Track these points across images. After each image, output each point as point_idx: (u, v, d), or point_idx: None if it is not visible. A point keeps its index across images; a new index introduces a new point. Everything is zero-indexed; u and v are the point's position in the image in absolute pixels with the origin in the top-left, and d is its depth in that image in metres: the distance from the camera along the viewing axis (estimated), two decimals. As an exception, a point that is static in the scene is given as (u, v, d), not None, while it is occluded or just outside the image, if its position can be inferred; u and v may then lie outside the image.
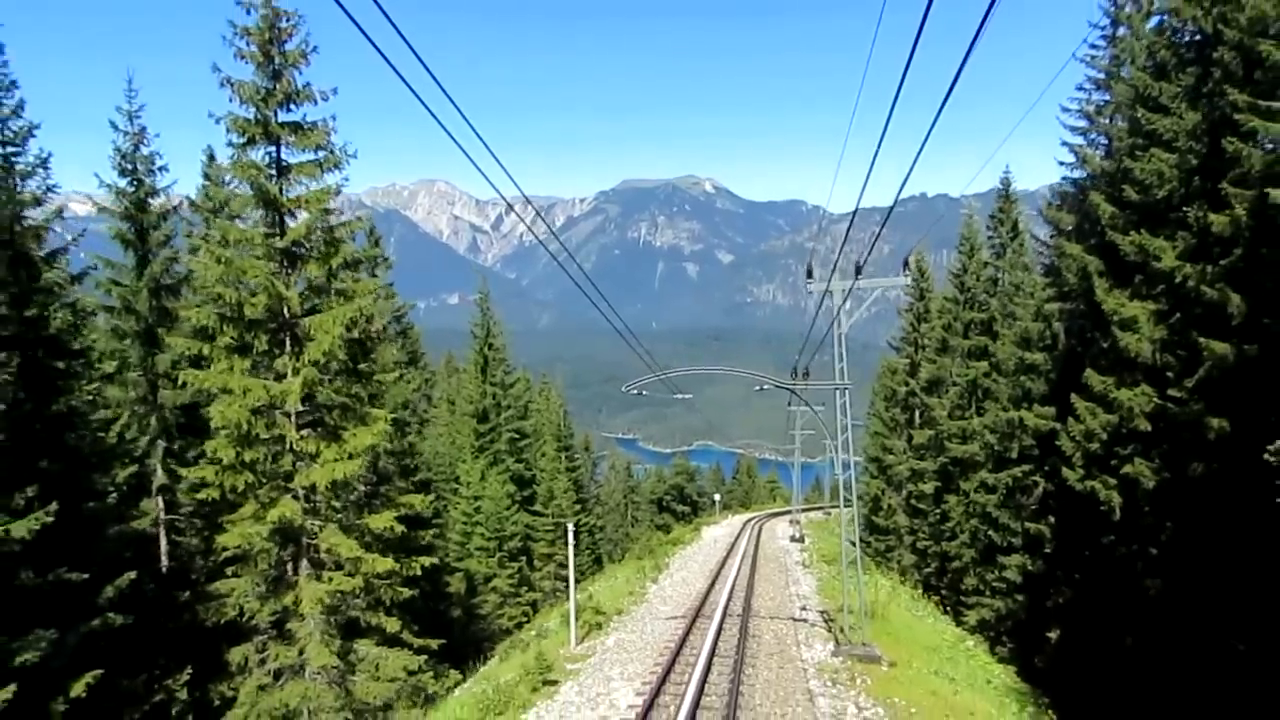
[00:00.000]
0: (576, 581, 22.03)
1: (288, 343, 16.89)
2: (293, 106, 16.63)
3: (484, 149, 7.36)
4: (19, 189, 15.16)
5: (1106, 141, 23.78)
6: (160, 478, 19.87)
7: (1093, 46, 24.39)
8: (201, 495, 16.69)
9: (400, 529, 17.74)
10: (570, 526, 21.80)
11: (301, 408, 16.62)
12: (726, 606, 22.05)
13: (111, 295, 19.55)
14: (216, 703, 17.61)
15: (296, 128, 16.69)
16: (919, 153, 7.07)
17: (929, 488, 35.16)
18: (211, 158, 26.21)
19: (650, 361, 19.23)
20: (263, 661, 16.84)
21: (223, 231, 17.07)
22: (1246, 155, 14.99)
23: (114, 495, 16.96)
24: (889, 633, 20.39)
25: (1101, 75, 24.15)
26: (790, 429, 52.07)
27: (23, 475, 13.73)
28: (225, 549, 16.59)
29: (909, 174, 7.52)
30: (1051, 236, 27.03)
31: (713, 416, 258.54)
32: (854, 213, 10.02)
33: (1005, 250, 33.41)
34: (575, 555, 21.51)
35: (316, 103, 16.77)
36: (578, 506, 49.26)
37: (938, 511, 34.35)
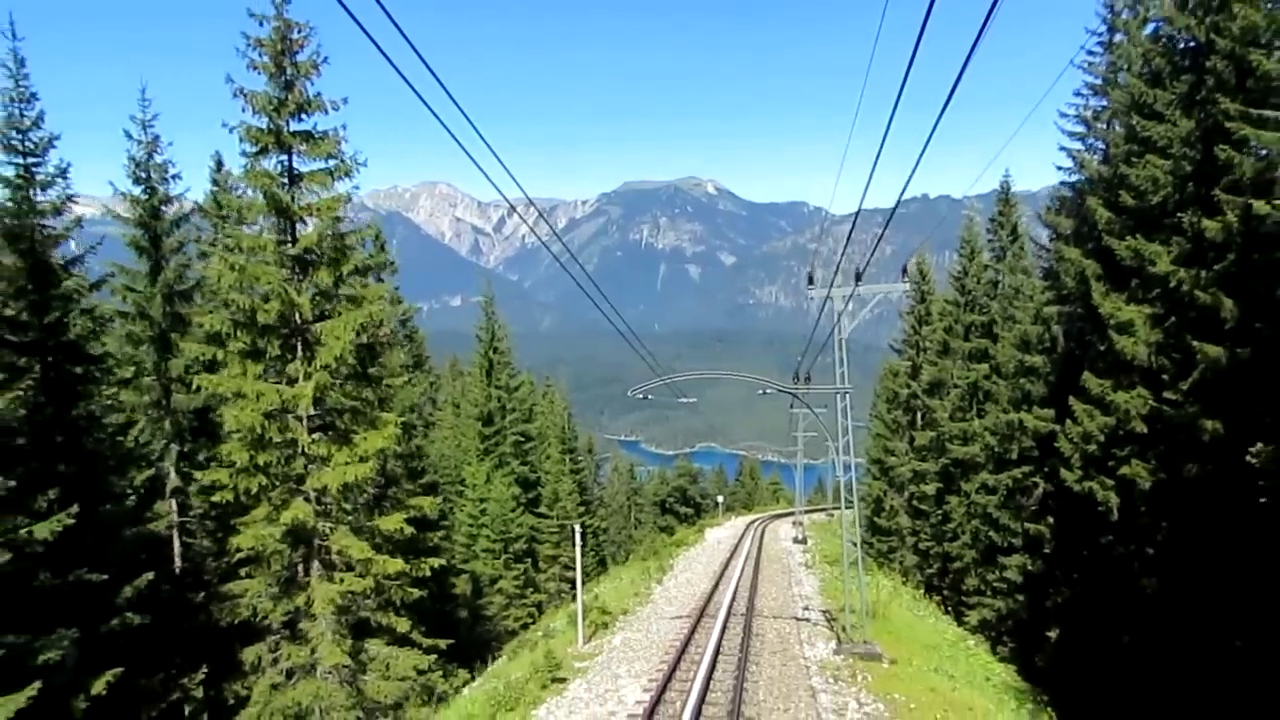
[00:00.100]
0: (582, 583, 22.35)
1: (299, 348, 17.22)
2: (304, 116, 16.99)
3: (486, 150, 7.18)
4: (39, 199, 15.54)
5: (1104, 147, 24.05)
6: (174, 480, 20.24)
7: (1090, 53, 24.74)
8: (216, 498, 17.01)
9: (410, 531, 18.07)
10: (577, 528, 22.12)
11: (313, 411, 16.96)
12: (730, 606, 22.35)
13: (126, 301, 19.93)
14: (231, 701, 17.96)
15: (308, 137, 17.03)
16: (921, 154, 7.03)
17: (931, 489, 35.45)
18: (220, 164, 26.65)
19: (653, 364, 19.52)
20: (275, 661, 17.15)
21: (236, 239, 17.43)
22: (1238, 163, 15.34)
23: (132, 498, 17.31)
24: (890, 632, 20.69)
25: (1099, 81, 24.48)
26: (793, 431, 52.38)
27: (44, 478, 14.11)
28: (238, 550, 16.90)
29: (911, 176, 7.48)
30: (1050, 240, 27.34)
31: (715, 418, 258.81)
32: (856, 214, 10.09)
33: (1005, 253, 33.74)
34: (580, 557, 21.85)
35: (327, 112, 17.12)
36: (582, 509, 49.60)
37: (939, 512, 34.64)
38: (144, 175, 20.14)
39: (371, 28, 5.02)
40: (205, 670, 17.62)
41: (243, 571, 17.64)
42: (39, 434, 14.68)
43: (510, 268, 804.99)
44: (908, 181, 7.73)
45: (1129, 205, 19.33)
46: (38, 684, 12.48)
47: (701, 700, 14.20)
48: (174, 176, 20.69)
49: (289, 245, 17.03)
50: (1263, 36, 15.72)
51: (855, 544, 20.78)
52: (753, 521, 59.46)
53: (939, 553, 34.40)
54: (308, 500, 16.72)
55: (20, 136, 15.34)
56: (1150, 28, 21.84)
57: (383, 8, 4.80)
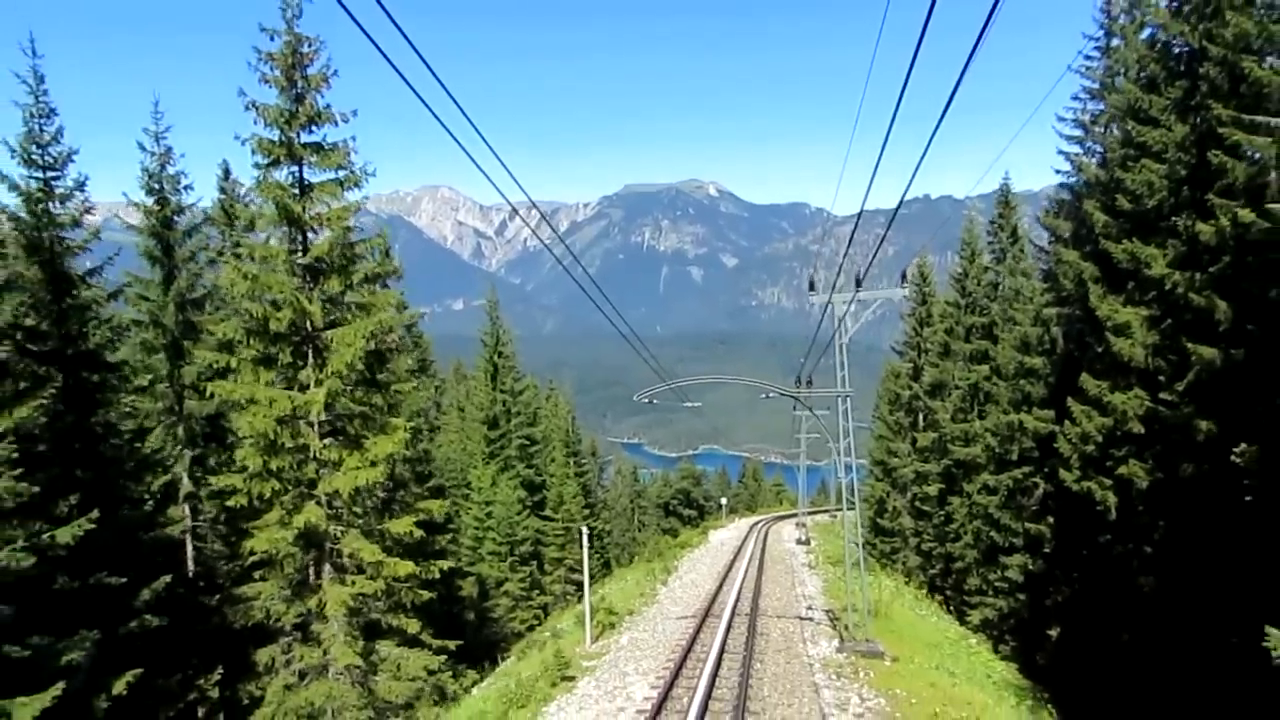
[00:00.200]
0: (589, 584, 22.67)
1: (310, 354, 17.56)
2: (315, 128, 17.34)
3: (489, 153, 7.23)
4: (58, 211, 15.91)
5: (1101, 151, 24.32)
6: (186, 485, 20.58)
7: (1088, 58, 25.01)
8: (230, 502, 17.36)
9: (419, 533, 18.39)
10: (585, 530, 22.44)
11: (324, 417, 17.29)
12: (735, 606, 22.66)
13: (140, 310, 20.29)
14: (245, 701, 18.28)
15: (318, 148, 17.38)
16: (922, 156, 7.01)
17: (933, 490, 35.72)
18: (227, 173, 26.99)
19: (656, 366, 19.80)
20: (288, 662, 17.48)
21: (249, 249, 17.79)
22: (1231, 167, 15.61)
23: (149, 503, 17.66)
24: (892, 630, 20.99)
25: (1096, 86, 24.76)
26: (795, 433, 52.61)
27: (64, 484, 14.47)
28: (252, 554, 17.21)
29: (913, 177, 7.47)
30: (1050, 242, 27.62)
31: (718, 421, 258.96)
32: (858, 215, 10.09)
33: (1005, 255, 34.02)
34: (587, 559, 22.17)
35: (337, 124, 17.45)
36: (586, 511, 49.90)
37: (942, 513, 34.90)
38: (157, 186, 20.49)
39: (374, 32, 5.12)
40: (221, 671, 17.96)
41: (256, 574, 17.97)
42: (59, 441, 15.05)
43: (512, 271, 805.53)
44: (909, 183, 7.73)
45: (1125, 209, 19.63)
46: (61, 684, 12.84)
47: (708, 696, 14.52)
48: (186, 187, 21.04)
49: (300, 254, 17.37)
50: (1254, 43, 15.99)
51: (857, 544, 21.08)
52: (756, 523, 59.74)
53: (941, 553, 34.65)
54: (319, 504, 17.03)
55: (40, 150, 15.72)
56: (1146, 33, 22.10)
57: (385, 10, 4.90)
